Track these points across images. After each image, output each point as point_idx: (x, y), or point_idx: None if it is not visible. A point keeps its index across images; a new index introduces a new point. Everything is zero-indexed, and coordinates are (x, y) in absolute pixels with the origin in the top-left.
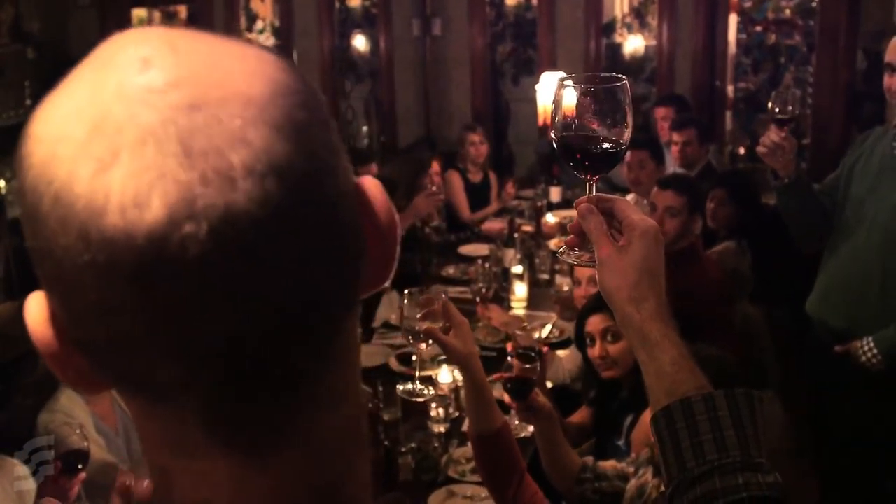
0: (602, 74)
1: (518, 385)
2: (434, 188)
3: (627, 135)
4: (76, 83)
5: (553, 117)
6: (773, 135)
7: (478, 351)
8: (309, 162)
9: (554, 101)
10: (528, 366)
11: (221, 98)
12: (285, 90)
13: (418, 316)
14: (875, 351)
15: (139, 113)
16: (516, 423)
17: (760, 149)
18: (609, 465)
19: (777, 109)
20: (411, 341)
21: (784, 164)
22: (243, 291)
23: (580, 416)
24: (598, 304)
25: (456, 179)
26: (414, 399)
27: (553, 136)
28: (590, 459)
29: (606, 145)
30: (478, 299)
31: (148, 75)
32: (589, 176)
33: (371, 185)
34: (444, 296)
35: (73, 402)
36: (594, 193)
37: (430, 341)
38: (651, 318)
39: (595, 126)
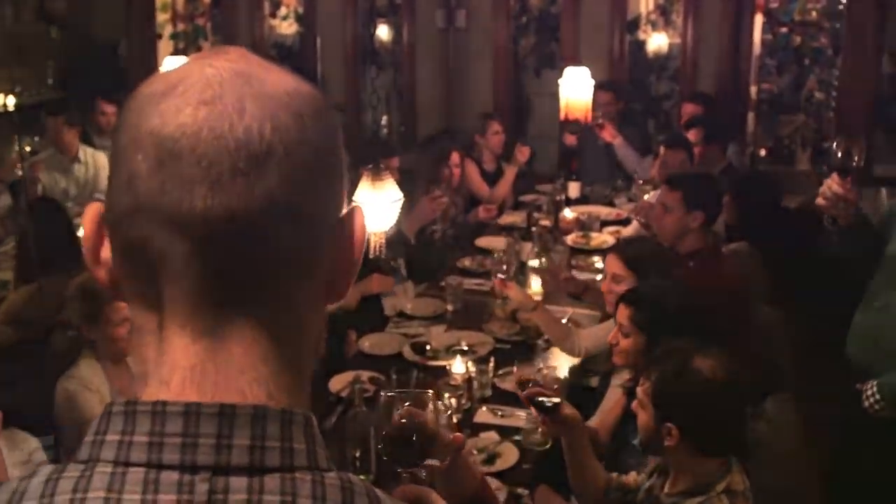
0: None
1: (540, 404)
2: (439, 193)
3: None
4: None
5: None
6: (834, 186)
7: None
8: (301, 134)
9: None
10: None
11: (261, 78)
12: (311, 99)
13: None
14: (878, 397)
15: (204, 69)
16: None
17: (820, 200)
18: (631, 478)
19: (840, 158)
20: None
21: (845, 215)
22: (234, 180)
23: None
24: (628, 296)
25: (472, 167)
26: None
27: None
28: (613, 476)
29: (417, 456)
30: (498, 276)
31: (220, 57)
32: (405, 469)
33: (360, 216)
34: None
35: (92, 371)
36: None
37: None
38: None
39: (404, 442)
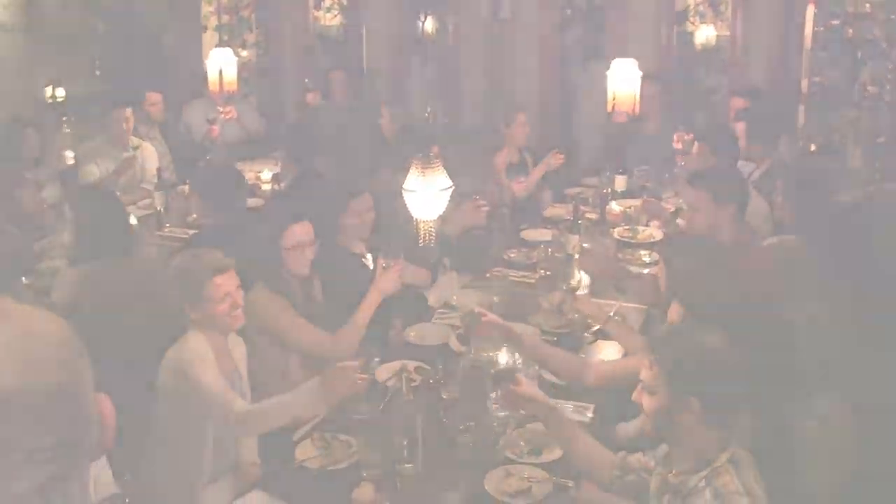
0: None
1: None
2: (481, 201)
3: None
4: None
5: None
6: None
7: None
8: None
9: None
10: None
11: (39, 332)
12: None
13: None
14: None
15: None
16: None
17: None
18: (635, 458)
19: None
20: None
21: None
22: None
23: None
24: (677, 293)
25: (500, 158)
26: None
27: None
28: (622, 455)
29: None
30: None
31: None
32: None
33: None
34: None
35: (201, 343)
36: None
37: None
38: None
39: None
